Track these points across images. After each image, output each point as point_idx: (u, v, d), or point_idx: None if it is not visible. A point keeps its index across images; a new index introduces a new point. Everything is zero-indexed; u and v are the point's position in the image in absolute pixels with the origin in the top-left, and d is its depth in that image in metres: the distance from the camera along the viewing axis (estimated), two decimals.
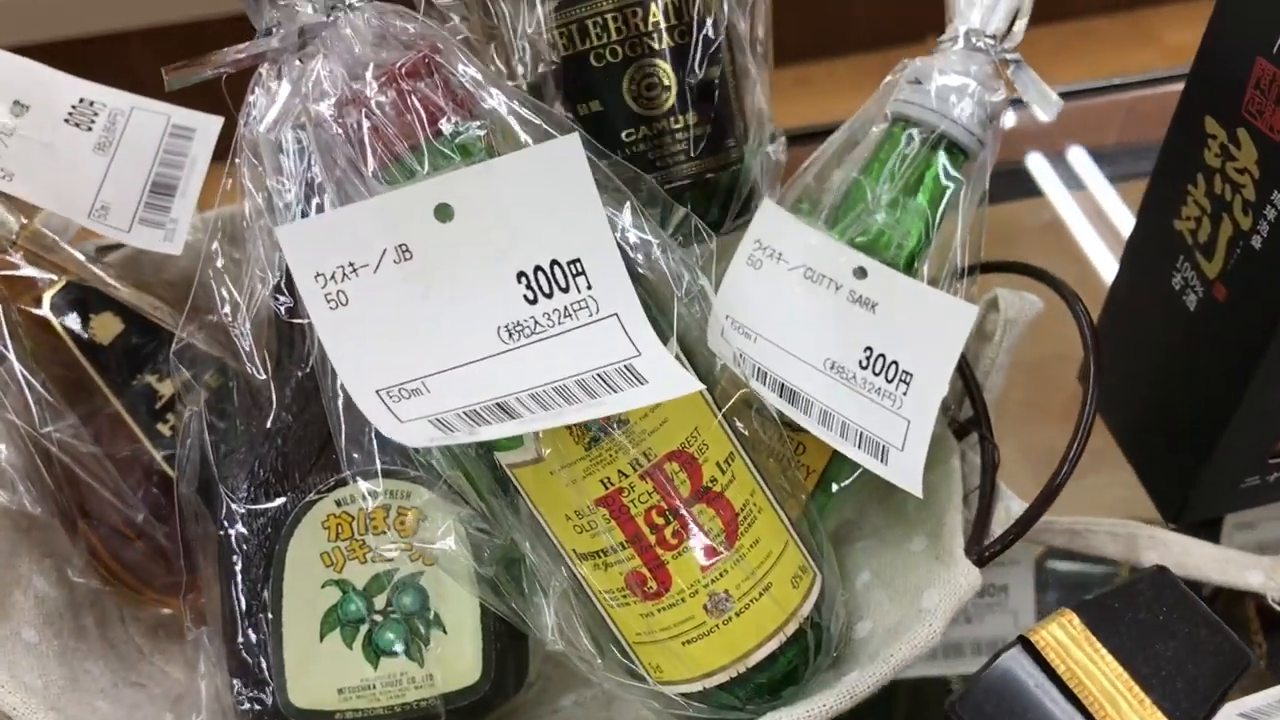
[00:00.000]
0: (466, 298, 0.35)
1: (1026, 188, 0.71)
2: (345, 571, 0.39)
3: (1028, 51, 0.45)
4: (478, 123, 0.36)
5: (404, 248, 0.34)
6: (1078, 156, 0.72)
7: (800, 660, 0.40)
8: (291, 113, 0.37)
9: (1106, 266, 0.68)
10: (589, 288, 0.35)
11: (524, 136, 0.37)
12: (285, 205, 0.40)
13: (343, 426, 0.37)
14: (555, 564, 0.39)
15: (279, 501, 0.39)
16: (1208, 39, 0.46)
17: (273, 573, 0.39)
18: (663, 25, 0.43)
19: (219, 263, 0.42)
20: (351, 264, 0.34)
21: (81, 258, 0.46)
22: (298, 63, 0.37)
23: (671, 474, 0.37)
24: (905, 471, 0.42)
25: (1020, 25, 0.47)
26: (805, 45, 1.63)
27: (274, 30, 0.38)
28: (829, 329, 0.44)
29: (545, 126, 0.36)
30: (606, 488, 0.37)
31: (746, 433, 0.41)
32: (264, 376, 0.40)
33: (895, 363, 0.43)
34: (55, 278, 0.46)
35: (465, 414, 0.34)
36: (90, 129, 0.46)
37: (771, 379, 0.43)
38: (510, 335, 0.35)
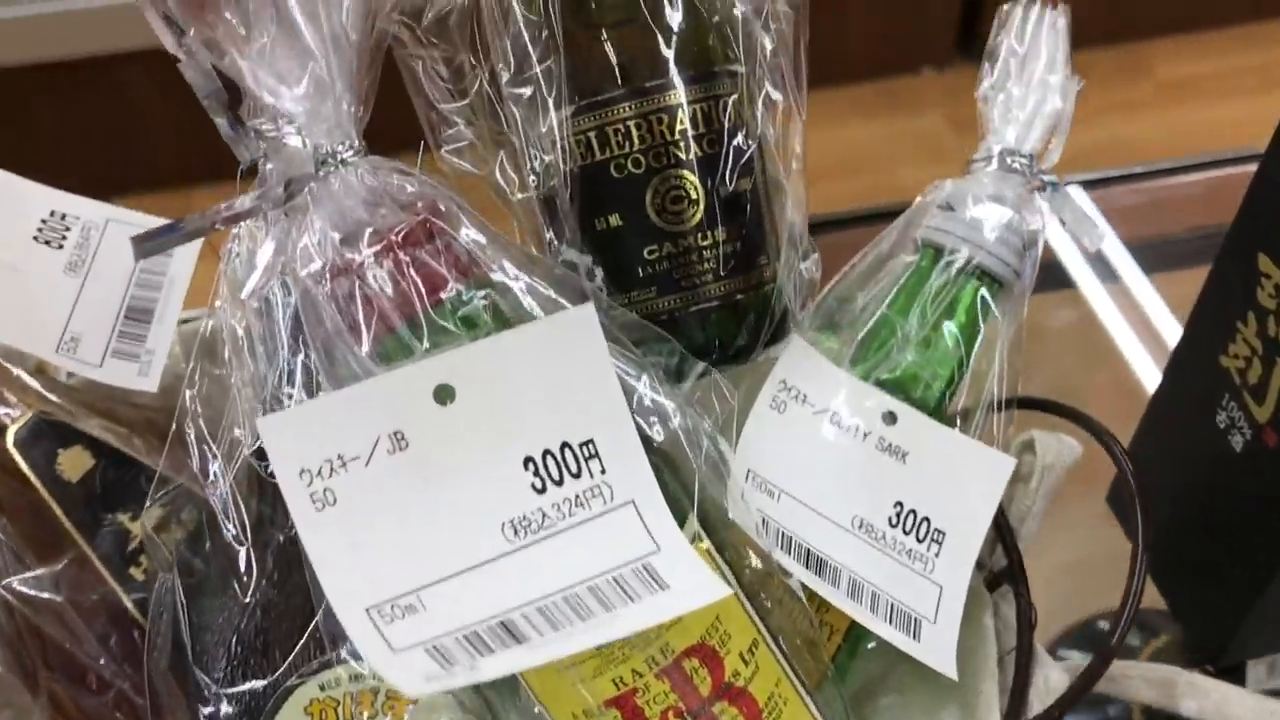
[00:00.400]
0: (469, 489, 0.31)
1: (1057, 279, 0.68)
2: None
3: None
4: (482, 292, 0.32)
5: (399, 435, 0.31)
6: (1111, 246, 0.69)
7: None
8: (275, 271, 0.33)
9: (1141, 364, 0.65)
10: (603, 472, 0.32)
11: (530, 303, 0.33)
12: (267, 353, 0.36)
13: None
14: None
15: (258, 684, 0.36)
16: (1265, 170, 0.43)
17: None
18: (690, 133, 0.39)
19: (198, 408, 0.38)
20: (340, 457, 0.31)
21: (39, 387, 0.43)
22: (283, 216, 0.33)
23: (691, 671, 0.34)
24: (939, 649, 0.38)
25: (1058, 144, 0.44)
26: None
27: (260, 162, 0.34)
28: (857, 482, 0.41)
29: (556, 296, 0.33)
30: (619, 688, 0.34)
31: (769, 603, 0.38)
32: (243, 545, 0.36)
33: (927, 519, 0.40)
34: (18, 411, 0.42)
35: (466, 639, 0.30)
36: (61, 246, 0.43)
37: (797, 545, 0.39)
38: (517, 532, 0.31)
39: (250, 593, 0.36)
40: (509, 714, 0.36)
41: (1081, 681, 0.40)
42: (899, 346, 0.42)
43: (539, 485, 0.32)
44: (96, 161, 1.50)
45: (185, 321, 0.45)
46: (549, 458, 0.32)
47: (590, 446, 0.32)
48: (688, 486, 0.36)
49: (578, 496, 0.32)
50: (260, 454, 0.36)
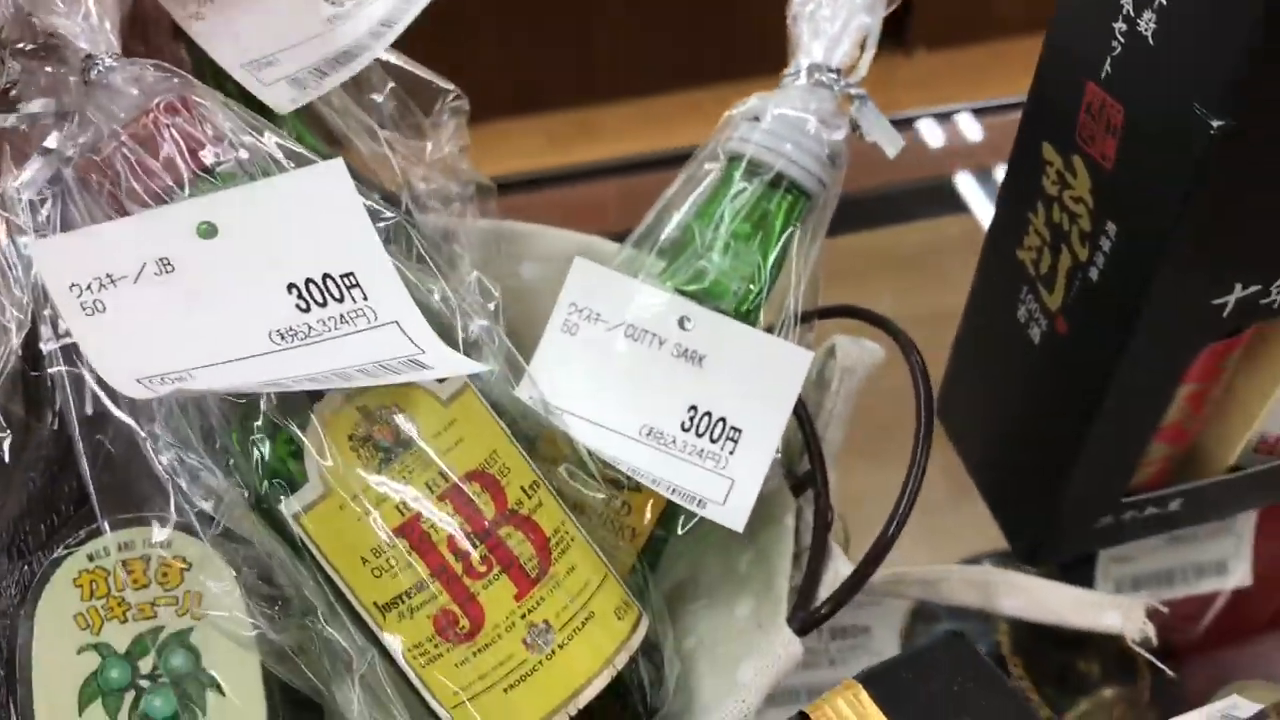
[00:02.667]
0: (234, 307, 0.33)
1: (953, 204, 0.70)
2: (103, 633, 0.35)
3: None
4: (242, 152, 0.34)
5: (165, 261, 0.33)
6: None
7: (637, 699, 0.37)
8: (49, 170, 0.34)
9: None
10: (365, 299, 0.34)
11: (289, 164, 0.35)
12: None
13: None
14: (356, 632, 0.35)
15: (23, 566, 0.35)
16: (1044, 61, 0.44)
17: (20, 640, 0.34)
18: None
19: None
20: (109, 275, 0.33)
21: None
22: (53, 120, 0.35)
23: (473, 494, 0.35)
24: (729, 511, 0.39)
25: (866, 58, 0.43)
26: (723, 67, 1.59)
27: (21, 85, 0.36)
28: (649, 391, 0.40)
29: (311, 157, 0.35)
30: (404, 514, 0.34)
31: (565, 490, 0.38)
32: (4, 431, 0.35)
33: (723, 419, 0.40)
34: None
35: None
36: None
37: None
38: (284, 338, 0.34)
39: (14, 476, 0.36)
40: (298, 570, 0.35)
41: (864, 566, 0.39)
42: (699, 254, 0.42)
43: (303, 306, 0.34)
44: None
45: None
46: (311, 285, 0.34)
47: (351, 278, 0.34)
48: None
49: (342, 315, 0.34)
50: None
